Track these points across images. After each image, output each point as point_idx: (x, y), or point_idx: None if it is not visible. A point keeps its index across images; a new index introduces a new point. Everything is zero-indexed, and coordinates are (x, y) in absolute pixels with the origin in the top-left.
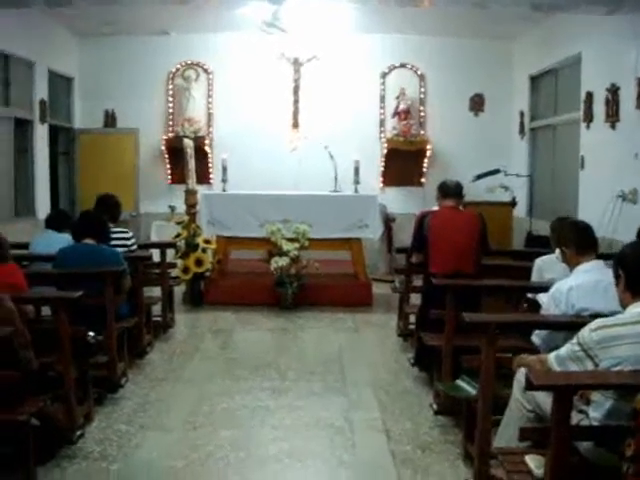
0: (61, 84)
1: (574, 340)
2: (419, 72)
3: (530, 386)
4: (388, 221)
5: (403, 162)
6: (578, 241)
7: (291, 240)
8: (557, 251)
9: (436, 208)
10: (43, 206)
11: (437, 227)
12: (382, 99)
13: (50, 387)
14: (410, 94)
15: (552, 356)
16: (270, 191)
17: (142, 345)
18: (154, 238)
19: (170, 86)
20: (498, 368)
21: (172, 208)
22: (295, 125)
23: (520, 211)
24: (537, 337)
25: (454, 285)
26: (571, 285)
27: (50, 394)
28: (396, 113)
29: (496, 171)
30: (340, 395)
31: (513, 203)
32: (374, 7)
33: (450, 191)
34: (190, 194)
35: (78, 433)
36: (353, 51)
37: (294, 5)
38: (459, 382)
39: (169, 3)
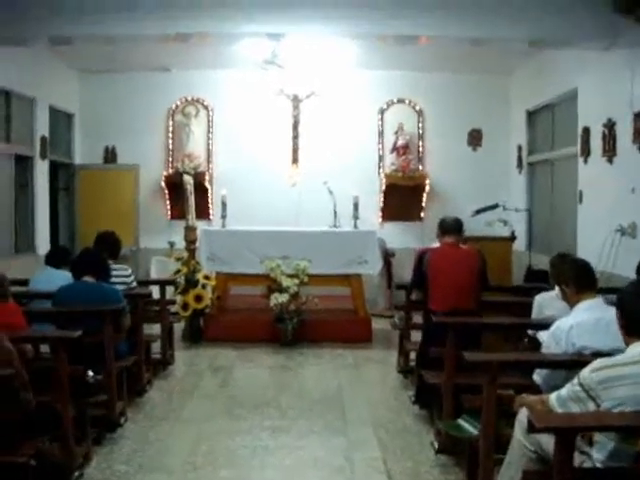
0: (62, 120)
1: (575, 380)
2: (417, 107)
3: (532, 428)
4: (387, 256)
5: (402, 197)
6: (578, 280)
7: (291, 276)
8: (557, 289)
9: (436, 245)
10: (43, 242)
11: (436, 264)
12: (381, 134)
13: (48, 427)
14: (408, 129)
15: (553, 397)
16: (270, 227)
17: (141, 383)
18: (153, 274)
19: (170, 122)
20: (500, 406)
21: (172, 244)
22: (295, 161)
23: (519, 245)
24: (538, 376)
25: (454, 323)
26: (572, 323)
27: (49, 435)
28: (395, 148)
29: (495, 206)
30: (340, 434)
31: (512, 237)
32: (372, 44)
33: (449, 228)
34: (190, 230)
35: (76, 474)
36: (351, 87)
37: (292, 42)
38: (460, 421)
39: (168, 41)
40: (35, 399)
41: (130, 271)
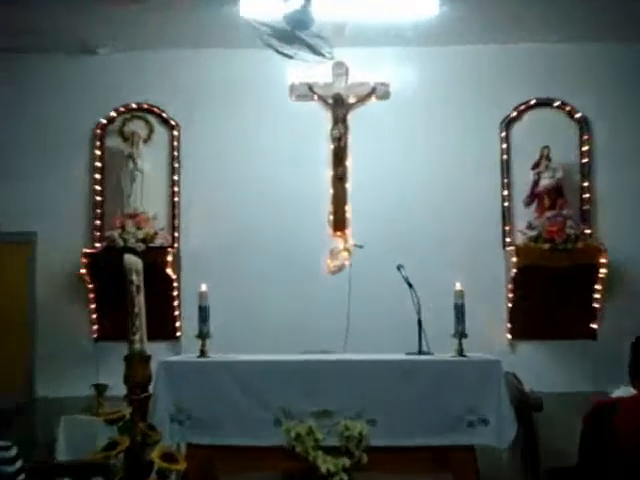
0: None
1: None
2: (577, 115)
3: None
4: (526, 409)
5: (552, 290)
6: None
7: (335, 452)
8: None
9: (629, 391)
10: None
11: (630, 434)
12: (505, 169)
13: None
14: (561, 158)
15: None
16: (293, 354)
17: None
18: (63, 450)
19: (97, 152)
20: None
21: (100, 389)
22: (338, 225)
23: None
24: None
25: None
26: None
27: None
28: (534, 196)
29: None
30: None
31: None
32: None
33: None
34: (137, 362)
35: None
36: (444, 79)
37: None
38: None
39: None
40: None
41: (14, 452)
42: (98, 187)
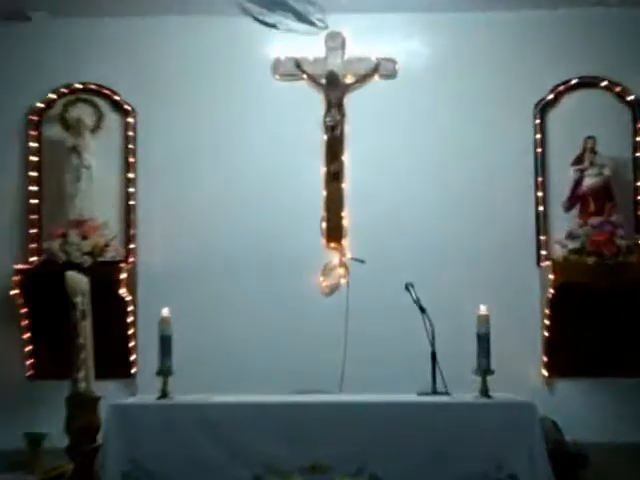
0: None
1: None
2: (630, 97)
3: None
4: (569, 464)
5: (598, 315)
6: None
7: None
8: None
9: None
10: None
11: None
12: (539, 165)
13: None
14: (610, 152)
15: None
16: (276, 395)
17: None
18: None
19: (33, 144)
20: None
21: (35, 440)
22: (333, 234)
23: None
24: None
25: None
26: None
27: None
28: (576, 198)
29: None
30: None
31: None
32: None
33: None
34: (82, 405)
35: None
36: (463, 53)
37: None
38: None
39: None
40: None
41: None
42: (34, 187)
